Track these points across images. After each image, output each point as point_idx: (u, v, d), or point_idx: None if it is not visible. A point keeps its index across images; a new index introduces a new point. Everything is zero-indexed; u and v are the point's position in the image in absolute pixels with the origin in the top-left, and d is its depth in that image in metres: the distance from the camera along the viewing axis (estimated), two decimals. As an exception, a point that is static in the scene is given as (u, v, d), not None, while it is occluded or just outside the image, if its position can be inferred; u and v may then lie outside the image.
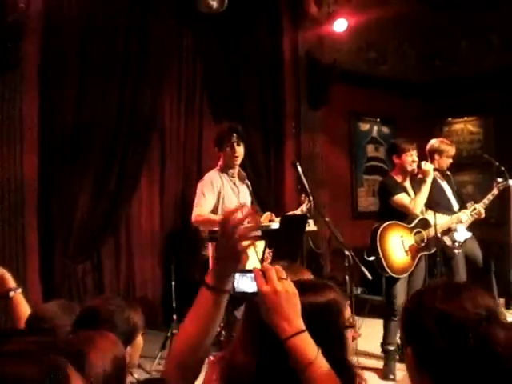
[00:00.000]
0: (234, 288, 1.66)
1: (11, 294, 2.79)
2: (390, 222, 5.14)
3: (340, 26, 7.49)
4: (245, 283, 1.64)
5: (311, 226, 5.09)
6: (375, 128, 9.03)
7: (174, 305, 5.31)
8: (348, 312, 1.71)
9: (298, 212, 5.17)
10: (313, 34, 7.60)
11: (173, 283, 5.37)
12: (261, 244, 4.54)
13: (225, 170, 5.16)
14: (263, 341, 1.60)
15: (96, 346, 1.73)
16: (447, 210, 5.56)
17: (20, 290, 2.85)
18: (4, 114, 5.28)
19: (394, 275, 5.07)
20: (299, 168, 5.08)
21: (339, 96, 7.88)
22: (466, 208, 5.55)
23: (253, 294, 1.60)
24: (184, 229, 6.19)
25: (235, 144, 5.08)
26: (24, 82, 5.42)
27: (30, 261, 5.42)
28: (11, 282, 2.85)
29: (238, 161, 5.18)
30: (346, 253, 4.79)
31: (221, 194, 5.05)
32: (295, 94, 7.59)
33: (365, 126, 8.90)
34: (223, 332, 5.58)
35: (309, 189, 5.00)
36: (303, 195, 5.13)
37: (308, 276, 2.08)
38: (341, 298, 1.72)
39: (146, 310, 2.44)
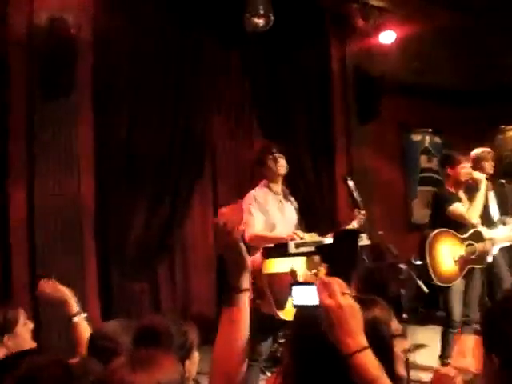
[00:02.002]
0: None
1: (75, 319, 2.85)
2: (443, 230, 5.08)
3: (387, 37, 7.46)
4: (302, 296, 1.64)
5: (364, 241, 5.05)
6: (427, 138, 8.93)
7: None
8: (395, 324, 1.70)
9: (350, 227, 5.14)
10: (360, 47, 7.58)
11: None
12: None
13: (268, 186, 5.16)
14: (320, 356, 1.60)
15: (161, 365, 1.76)
16: (486, 220, 5.45)
17: (84, 316, 2.91)
18: (61, 137, 5.43)
19: (438, 283, 5.00)
20: (350, 183, 5.06)
21: (389, 108, 7.83)
22: (504, 222, 5.44)
23: (313, 307, 1.59)
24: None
25: (276, 156, 5.09)
26: (79, 107, 5.56)
27: (89, 281, 5.52)
28: (75, 306, 2.92)
29: (282, 172, 5.17)
30: (401, 266, 4.75)
31: (266, 210, 5.05)
32: (344, 108, 7.57)
33: (416, 137, 8.82)
34: (279, 348, 5.59)
35: (361, 203, 4.98)
36: (355, 210, 5.10)
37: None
38: (386, 312, 1.71)
39: (202, 327, 2.48)
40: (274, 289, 4.51)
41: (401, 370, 1.70)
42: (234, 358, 1.76)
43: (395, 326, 1.69)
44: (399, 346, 1.68)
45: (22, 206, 5.31)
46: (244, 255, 1.78)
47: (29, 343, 2.78)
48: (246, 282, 1.79)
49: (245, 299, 1.79)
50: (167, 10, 6.13)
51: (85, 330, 2.83)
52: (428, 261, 4.98)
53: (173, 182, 6.11)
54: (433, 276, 4.96)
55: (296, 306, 1.68)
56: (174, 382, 1.73)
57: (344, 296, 1.55)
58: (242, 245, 1.78)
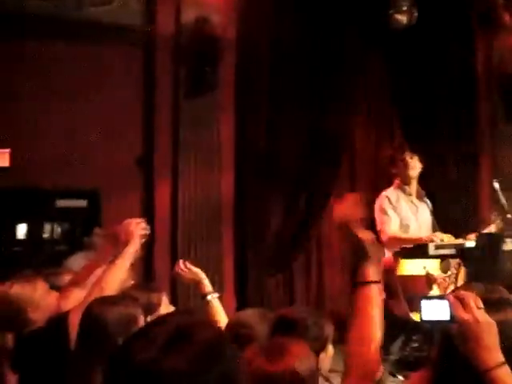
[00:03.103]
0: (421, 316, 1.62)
1: (208, 297, 2.96)
2: None
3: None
4: (433, 311, 1.58)
5: (509, 245, 4.81)
6: None
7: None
8: None
9: (488, 230, 4.90)
10: (507, 45, 7.21)
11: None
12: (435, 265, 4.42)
13: (401, 187, 5.05)
14: (458, 371, 1.56)
15: (295, 354, 1.77)
16: None
17: (217, 295, 3.01)
18: (204, 136, 5.62)
19: None
20: (497, 186, 4.87)
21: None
22: None
23: (447, 322, 1.54)
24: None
25: (407, 157, 4.96)
26: (221, 105, 5.73)
27: (227, 273, 5.68)
28: (208, 286, 3.03)
29: (414, 174, 5.03)
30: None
31: (399, 211, 4.94)
32: (490, 108, 7.23)
33: None
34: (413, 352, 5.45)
35: (507, 206, 4.77)
36: (494, 214, 4.90)
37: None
38: None
39: (336, 324, 2.46)
40: (408, 291, 4.41)
41: None
42: (369, 344, 1.74)
43: None
44: None
45: (166, 202, 5.56)
46: (366, 247, 1.75)
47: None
48: (373, 274, 1.75)
49: (374, 292, 1.76)
50: (309, 11, 6.15)
51: (217, 308, 2.92)
52: None
53: (309, 180, 6.13)
54: None
55: (425, 322, 1.63)
56: (310, 370, 1.73)
57: (479, 311, 1.51)
58: (364, 236, 1.76)
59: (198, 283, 3.06)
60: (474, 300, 1.51)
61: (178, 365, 0.98)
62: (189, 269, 3.11)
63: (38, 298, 2.60)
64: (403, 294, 4.42)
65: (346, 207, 1.79)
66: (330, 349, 2.36)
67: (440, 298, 1.59)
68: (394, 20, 5.91)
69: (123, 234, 2.70)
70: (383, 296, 1.91)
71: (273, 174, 5.97)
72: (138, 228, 2.73)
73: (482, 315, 1.49)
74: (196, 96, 5.59)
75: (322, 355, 2.26)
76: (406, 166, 4.97)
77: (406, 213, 4.97)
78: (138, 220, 2.79)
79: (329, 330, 2.36)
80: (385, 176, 6.60)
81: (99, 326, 2.18)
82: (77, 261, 4.53)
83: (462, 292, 1.55)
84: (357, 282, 1.76)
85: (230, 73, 5.86)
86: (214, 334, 1.06)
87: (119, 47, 5.63)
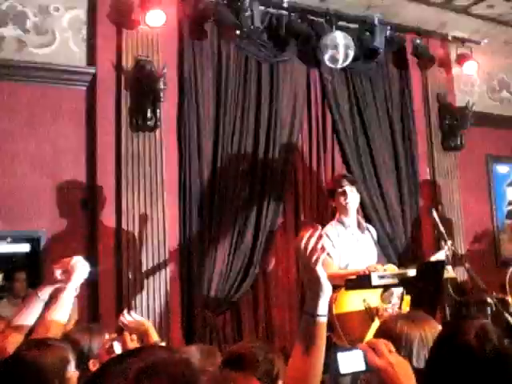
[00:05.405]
0: (338, 369, 1.63)
1: None
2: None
3: (470, 68, 7.37)
4: (349, 363, 1.60)
5: (450, 273, 4.93)
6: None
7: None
8: None
9: (434, 259, 5.02)
10: (442, 78, 7.52)
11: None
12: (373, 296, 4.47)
13: (341, 220, 5.11)
14: None
15: None
16: None
17: (163, 344, 2.97)
18: (146, 172, 5.64)
19: None
20: (435, 214, 4.99)
21: (474, 139, 7.66)
22: None
23: (364, 371, 1.57)
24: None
25: (346, 189, 5.02)
26: (163, 143, 5.75)
27: (173, 312, 5.63)
28: (154, 335, 2.99)
29: (352, 206, 5.08)
30: (489, 300, 4.61)
31: (337, 247, 4.97)
32: (428, 139, 7.47)
33: (504, 169, 8.55)
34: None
35: (446, 235, 4.89)
36: (442, 242, 5.00)
37: (434, 326, 2.03)
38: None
39: (286, 360, 2.47)
40: (345, 327, 4.43)
41: None
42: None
43: None
44: None
45: (110, 242, 5.51)
46: (322, 281, 1.73)
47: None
48: (323, 308, 1.75)
49: (322, 326, 1.74)
50: (247, 47, 6.29)
51: None
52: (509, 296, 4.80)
53: (255, 215, 6.16)
54: None
55: (344, 375, 1.65)
56: None
57: (392, 354, 1.55)
58: (321, 270, 1.74)
59: (143, 333, 3.01)
60: (385, 345, 1.56)
61: None
62: (134, 318, 3.07)
63: None
64: (342, 331, 4.43)
65: (309, 238, 1.78)
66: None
67: (354, 349, 1.61)
68: (330, 59, 6.10)
69: (62, 272, 2.65)
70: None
71: (218, 210, 5.98)
72: (77, 264, 2.67)
73: (394, 358, 1.54)
74: (138, 135, 5.63)
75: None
76: (344, 198, 5.02)
77: (345, 247, 5.01)
78: (78, 257, 2.73)
79: (280, 364, 2.36)
80: (329, 212, 6.71)
81: (34, 371, 2.11)
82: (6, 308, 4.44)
83: (373, 340, 1.60)
84: (307, 314, 1.77)
85: (172, 111, 5.91)
86: (186, 369, 1.08)
87: (61, 88, 5.63)
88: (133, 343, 2.72)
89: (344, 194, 5.02)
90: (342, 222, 5.08)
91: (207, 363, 2.34)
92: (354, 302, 4.48)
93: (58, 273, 2.63)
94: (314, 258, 1.68)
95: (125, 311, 3.12)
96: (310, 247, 1.69)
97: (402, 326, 1.88)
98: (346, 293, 4.47)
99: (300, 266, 1.78)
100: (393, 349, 1.57)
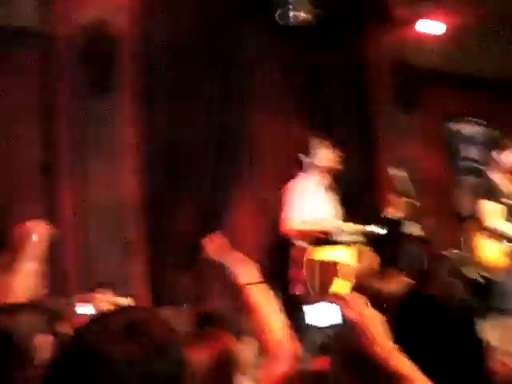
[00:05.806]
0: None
1: None
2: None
3: (431, 27, 7.36)
4: (320, 316, 1.64)
5: (412, 229, 5.02)
6: (474, 130, 8.77)
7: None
8: None
9: (393, 216, 5.09)
10: (400, 37, 7.49)
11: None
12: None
13: (323, 177, 5.15)
14: (358, 367, 1.63)
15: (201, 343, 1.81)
16: None
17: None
18: (105, 135, 5.57)
19: None
20: (395, 172, 5.05)
21: (432, 98, 7.72)
22: None
23: (337, 325, 1.61)
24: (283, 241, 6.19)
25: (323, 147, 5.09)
26: (121, 106, 5.67)
27: (138, 273, 5.63)
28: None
29: (332, 164, 5.17)
30: (448, 255, 4.72)
31: (310, 200, 5.03)
32: (384, 99, 7.49)
33: (460, 127, 8.67)
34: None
35: (412, 193, 4.95)
36: (399, 199, 5.08)
37: (401, 281, 2.09)
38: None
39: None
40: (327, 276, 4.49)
41: None
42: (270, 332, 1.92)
43: None
44: None
45: (70, 206, 5.44)
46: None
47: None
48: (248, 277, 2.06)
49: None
50: (208, 6, 6.19)
51: None
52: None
53: (211, 173, 6.18)
54: None
55: (320, 328, 1.69)
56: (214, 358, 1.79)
57: (367, 307, 1.60)
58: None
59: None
60: (360, 299, 1.61)
61: (130, 351, 1.01)
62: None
63: None
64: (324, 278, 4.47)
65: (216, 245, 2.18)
66: (250, 341, 2.39)
67: (322, 302, 1.66)
68: (291, 17, 6.04)
69: (19, 237, 2.54)
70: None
71: (177, 174, 5.97)
72: (37, 228, 2.57)
73: (369, 311, 1.58)
74: (96, 97, 5.52)
75: (239, 347, 2.29)
76: (336, 159, 5.09)
77: (316, 202, 5.05)
78: (38, 221, 2.64)
79: (244, 319, 2.38)
80: (284, 167, 6.68)
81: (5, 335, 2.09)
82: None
83: (348, 294, 1.65)
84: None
85: (130, 73, 5.81)
86: (167, 330, 1.10)
87: (15, 50, 5.44)
88: (103, 304, 2.72)
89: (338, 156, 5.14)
90: (314, 179, 5.12)
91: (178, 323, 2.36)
92: (322, 257, 4.54)
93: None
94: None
95: None
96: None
97: (372, 282, 1.94)
98: (317, 248, 4.54)
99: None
100: (367, 303, 1.60)
